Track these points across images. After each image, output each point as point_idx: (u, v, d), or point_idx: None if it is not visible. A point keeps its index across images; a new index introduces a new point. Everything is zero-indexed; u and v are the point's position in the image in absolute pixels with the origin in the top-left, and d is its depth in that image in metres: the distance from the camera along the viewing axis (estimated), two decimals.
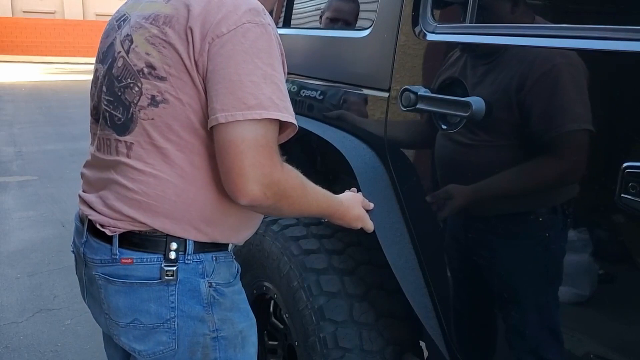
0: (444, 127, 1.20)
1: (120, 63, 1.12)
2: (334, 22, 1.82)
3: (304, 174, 1.16)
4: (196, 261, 1.13)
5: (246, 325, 1.22)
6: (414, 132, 1.34)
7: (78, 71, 18.45)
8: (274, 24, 1.10)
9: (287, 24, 2.06)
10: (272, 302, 1.78)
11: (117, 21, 1.21)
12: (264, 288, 1.68)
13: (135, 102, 1.08)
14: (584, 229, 1.00)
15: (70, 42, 23.97)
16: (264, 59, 1.03)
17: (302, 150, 1.71)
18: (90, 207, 1.17)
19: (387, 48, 1.37)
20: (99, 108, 1.18)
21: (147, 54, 1.07)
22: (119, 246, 1.12)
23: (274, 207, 1.08)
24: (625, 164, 0.85)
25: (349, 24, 1.77)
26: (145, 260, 1.11)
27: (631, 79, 0.89)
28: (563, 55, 1.00)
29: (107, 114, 1.15)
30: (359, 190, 1.40)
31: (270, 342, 1.84)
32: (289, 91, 1.87)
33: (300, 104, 1.82)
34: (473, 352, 1.27)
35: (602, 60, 0.93)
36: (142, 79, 1.07)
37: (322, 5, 1.92)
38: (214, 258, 1.16)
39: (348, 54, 1.59)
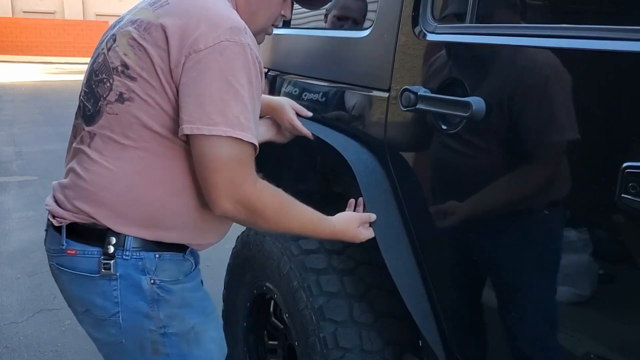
0: (444, 127, 1.20)
1: (100, 59, 1.18)
2: (341, 20, 1.81)
3: (303, 177, 1.16)
4: (135, 258, 1.15)
5: (199, 321, 1.24)
6: (414, 132, 1.34)
7: (78, 71, 18.44)
8: (254, 43, 1.13)
9: (287, 24, 2.06)
10: (272, 302, 1.78)
11: (116, 22, 1.26)
12: (264, 288, 1.68)
13: (104, 96, 1.14)
14: (584, 229, 1.00)
15: (70, 42, 23.97)
16: (238, 78, 1.06)
17: (301, 150, 1.71)
18: (53, 196, 1.23)
19: (387, 48, 1.37)
20: (80, 98, 1.24)
21: (125, 54, 1.12)
22: (67, 237, 1.17)
23: (248, 221, 1.15)
24: (625, 164, 0.85)
25: (357, 23, 1.76)
26: (87, 252, 1.16)
27: (631, 79, 0.89)
28: (563, 56, 1.00)
29: (82, 104, 1.21)
30: (356, 200, 1.40)
31: (270, 342, 1.84)
32: (289, 93, 1.87)
33: (299, 104, 1.82)
34: (473, 355, 1.26)
35: (602, 60, 0.93)
36: (114, 76, 1.13)
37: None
38: (157, 256, 1.17)
39: (348, 54, 1.59)
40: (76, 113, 1.25)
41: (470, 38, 1.19)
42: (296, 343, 1.52)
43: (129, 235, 1.14)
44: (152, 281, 1.16)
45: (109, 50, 1.16)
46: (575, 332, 1.06)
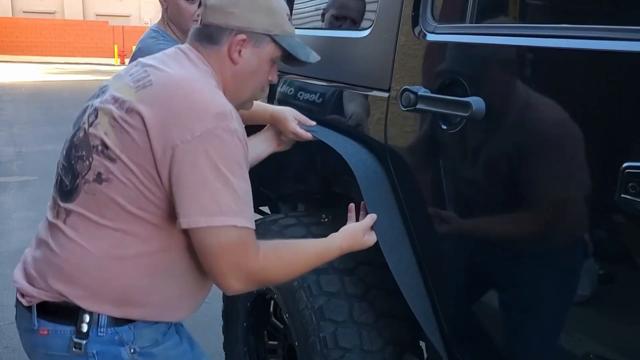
0: (444, 127, 1.20)
1: (81, 134, 1.17)
2: (339, 20, 1.81)
3: (303, 177, 1.17)
4: (111, 333, 1.14)
5: None
6: (414, 132, 1.34)
7: (78, 71, 18.45)
8: (240, 124, 1.14)
9: None
10: (272, 302, 1.78)
11: (100, 89, 1.26)
12: (264, 288, 1.68)
13: (83, 174, 1.14)
14: (584, 229, 1.00)
15: (70, 42, 23.97)
16: (227, 165, 1.07)
17: (301, 150, 1.71)
18: (23, 269, 1.21)
19: (387, 48, 1.37)
20: (57, 168, 1.24)
21: (106, 133, 1.11)
22: (37, 316, 1.15)
23: (264, 285, 1.21)
24: (625, 164, 0.85)
25: (354, 22, 1.76)
26: (59, 332, 1.14)
27: (631, 79, 0.89)
28: (563, 56, 1.00)
29: (59, 178, 1.22)
30: (357, 205, 1.40)
31: (270, 342, 1.84)
32: (288, 93, 1.87)
33: (299, 105, 1.82)
34: (474, 355, 1.26)
35: (602, 60, 0.93)
36: (94, 155, 1.12)
37: (322, 5, 1.92)
38: (132, 326, 1.16)
39: (348, 54, 1.59)
40: (54, 185, 1.23)
41: (470, 38, 1.19)
42: (296, 343, 1.52)
43: (102, 314, 1.13)
44: (132, 350, 1.15)
45: (90, 126, 1.15)
46: (575, 332, 1.06)
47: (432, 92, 1.22)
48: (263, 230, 1.66)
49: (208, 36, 1.21)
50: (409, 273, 1.31)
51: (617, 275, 0.98)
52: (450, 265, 1.29)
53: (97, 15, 27.12)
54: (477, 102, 1.09)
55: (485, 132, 1.13)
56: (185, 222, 1.06)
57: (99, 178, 1.11)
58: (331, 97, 1.65)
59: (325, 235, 1.57)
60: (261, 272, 1.12)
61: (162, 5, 1.94)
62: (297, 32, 1.97)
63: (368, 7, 1.66)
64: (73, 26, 24.47)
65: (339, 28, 1.81)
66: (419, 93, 1.22)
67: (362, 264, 1.51)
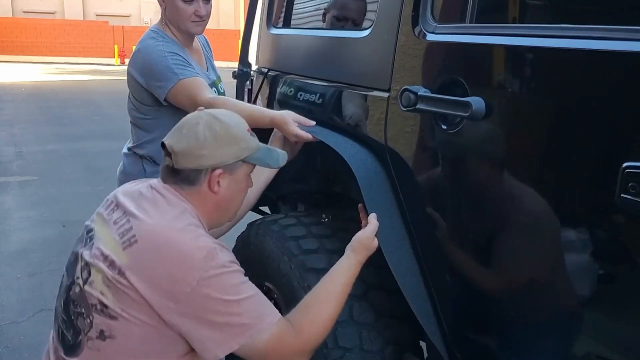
0: (444, 127, 1.20)
1: (77, 290, 1.22)
2: (340, 21, 1.81)
3: (303, 177, 1.18)
4: None
5: None
6: (414, 132, 1.34)
7: (78, 71, 18.45)
8: (228, 252, 1.21)
9: (287, 24, 2.06)
10: (272, 302, 1.78)
11: (87, 233, 1.31)
12: (264, 288, 1.68)
13: (85, 331, 1.19)
14: (584, 229, 1.00)
15: (70, 42, 23.97)
16: (232, 292, 1.14)
17: (301, 150, 1.71)
18: None
19: (387, 48, 1.37)
20: (57, 316, 1.29)
21: (102, 293, 1.17)
22: None
23: (323, 338, 1.23)
24: (625, 164, 0.85)
25: (356, 23, 1.76)
26: None
27: (631, 79, 0.89)
28: (563, 56, 1.00)
29: (61, 331, 1.27)
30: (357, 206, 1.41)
31: None
32: (288, 93, 1.87)
33: (300, 105, 1.82)
34: (474, 355, 1.26)
35: (602, 60, 0.93)
36: (94, 313, 1.17)
37: (323, 5, 1.92)
38: None
39: (348, 54, 1.59)
40: (54, 336, 1.29)
41: (470, 38, 1.19)
42: None
43: None
44: None
45: (85, 283, 1.21)
46: (574, 332, 1.06)
47: (432, 92, 1.22)
48: (263, 230, 1.66)
49: (185, 179, 1.27)
50: (409, 273, 1.31)
51: (617, 275, 0.98)
52: (450, 265, 1.29)
53: (97, 15, 27.12)
54: (477, 102, 1.09)
55: (485, 132, 1.13)
56: (220, 350, 1.14)
57: (102, 335, 1.16)
58: (331, 97, 1.65)
59: (325, 235, 1.57)
60: (306, 346, 1.19)
61: (160, 5, 1.94)
62: (297, 32, 1.98)
63: (368, 7, 1.66)
64: (73, 26, 24.46)
65: (340, 28, 1.81)
66: (419, 93, 1.22)
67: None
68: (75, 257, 1.28)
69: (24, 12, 25.90)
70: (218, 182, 1.27)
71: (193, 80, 1.82)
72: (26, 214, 4.43)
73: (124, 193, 1.31)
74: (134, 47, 2.04)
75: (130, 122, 2.05)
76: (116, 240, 1.20)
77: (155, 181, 1.32)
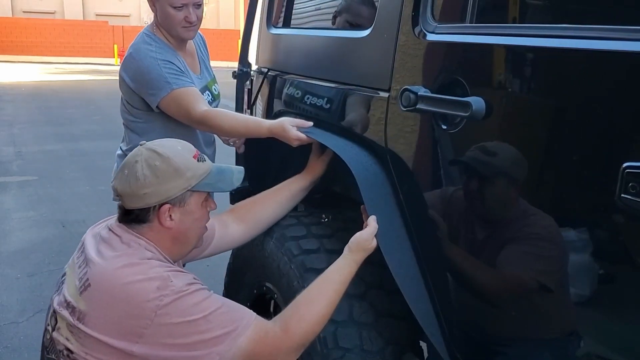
0: (444, 127, 1.20)
1: (48, 336, 1.26)
2: (352, 26, 1.78)
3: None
4: None
5: None
6: (414, 132, 1.34)
7: (78, 71, 18.44)
8: (183, 276, 1.21)
9: (287, 23, 2.06)
10: (272, 302, 1.78)
11: (61, 277, 1.33)
12: (264, 288, 1.68)
13: None
14: (584, 229, 1.00)
15: (70, 42, 23.95)
16: (196, 311, 1.15)
17: (301, 151, 1.71)
18: None
19: (387, 48, 1.37)
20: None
21: (67, 339, 1.19)
22: None
23: (313, 336, 1.24)
24: (625, 164, 0.85)
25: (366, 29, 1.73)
26: None
27: (631, 79, 0.89)
28: (563, 56, 1.00)
29: None
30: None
31: None
32: (287, 93, 1.87)
33: (299, 105, 1.82)
34: (474, 355, 1.26)
35: (602, 60, 0.93)
36: (62, 359, 1.20)
37: (323, 5, 1.92)
38: None
39: (348, 54, 1.59)
40: None
41: (470, 38, 1.19)
42: None
43: None
44: None
45: (53, 329, 1.24)
46: (574, 332, 1.06)
47: (432, 92, 1.22)
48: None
49: (135, 219, 1.28)
50: (409, 273, 1.31)
51: (617, 275, 0.98)
52: (450, 266, 1.29)
53: (97, 15, 27.11)
54: (477, 102, 1.09)
55: (485, 131, 1.13)
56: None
57: None
58: (331, 97, 1.65)
59: (325, 235, 1.57)
60: (294, 339, 1.19)
61: (152, 10, 1.92)
62: (297, 32, 1.98)
63: (368, 7, 1.66)
64: (73, 26, 24.44)
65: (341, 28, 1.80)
66: (419, 93, 1.22)
67: (362, 264, 1.51)
68: (50, 304, 1.30)
69: (24, 12, 25.89)
70: (170, 216, 1.27)
71: (186, 91, 1.81)
72: (26, 214, 4.43)
73: (91, 235, 1.34)
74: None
75: (123, 124, 2.04)
76: (76, 286, 1.22)
77: (113, 221, 1.34)
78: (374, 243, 1.33)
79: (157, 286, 1.15)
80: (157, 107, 1.85)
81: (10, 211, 4.51)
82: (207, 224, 1.39)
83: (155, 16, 1.92)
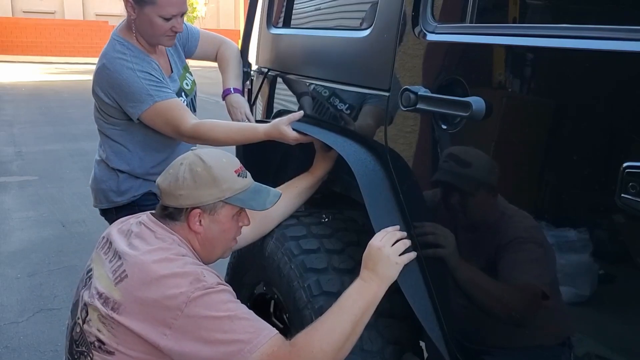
0: (444, 127, 1.20)
1: (78, 329, 1.30)
2: None
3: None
4: None
5: None
6: (414, 132, 1.34)
7: (78, 71, 18.44)
8: (216, 275, 1.25)
9: (287, 23, 2.06)
10: (272, 302, 1.78)
11: (87, 273, 1.37)
12: (264, 288, 1.68)
13: None
14: (584, 229, 1.00)
15: (70, 42, 23.96)
16: (222, 309, 1.18)
17: (301, 150, 1.71)
18: None
19: (387, 48, 1.37)
20: (65, 357, 1.36)
21: (99, 330, 1.23)
22: None
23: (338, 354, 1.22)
24: (625, 164, 0.85)
25: None
26: None
27: (631, 79, 0.89)
28: (563, 56, 1.00)
29: None
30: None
31: None
32: (287, 93, 1.87)
33: (299, 104, 1.82)
34: (474, 354, 1.26)
35: (602, 60, 0.93)
36: (93, 351, 1.24)
37: (322, 5, 1.92)
38: None
39: (348, 54, 1.59)
40: None
41: (470, 38, 1.19)
42: None
43: None
44: None
45: (84, 322, 1.28)
46: (574, 332, 1.06)
47: (432, 92, 1.22)
48: None
49: (169, 216, 1.35)
50: (409, 272, 1.31)
51: (617, 276, 0.98)
52: (450, 265, 1.28)
53: (97, 15, 27.13)
54: (477, 102, 1.09)
55: (485, 132, 1.13)
56: None
57: None
58: (331, 97, 1.65)
59: (325, 235, 1.57)
60: (310, 355, 1.18)
61: (130, 14, 1.80)
62: (297, 32, 1.98)
63: (368, 7, 1.66)
64: (73, 26, 24.45)
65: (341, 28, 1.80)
66: (419, 93, 1.22)
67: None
68: (77, 299, 1.34)
69: (24, 12, 25.91)
70: (199, 221, 1.34)
71: (169, 105, 1.77)
72: (26, 214, 4.43)
73: (118, 231, 1.38)
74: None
75: (98, 129, 1.97)
76: (109, 278, 1.26)
77: (145, 216, 1.38)
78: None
79: (190, 280, 1.19)
80: (137, 119, 1.80)
81: (10, 211, 4.51)
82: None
83: (131, 20, 1.82)
